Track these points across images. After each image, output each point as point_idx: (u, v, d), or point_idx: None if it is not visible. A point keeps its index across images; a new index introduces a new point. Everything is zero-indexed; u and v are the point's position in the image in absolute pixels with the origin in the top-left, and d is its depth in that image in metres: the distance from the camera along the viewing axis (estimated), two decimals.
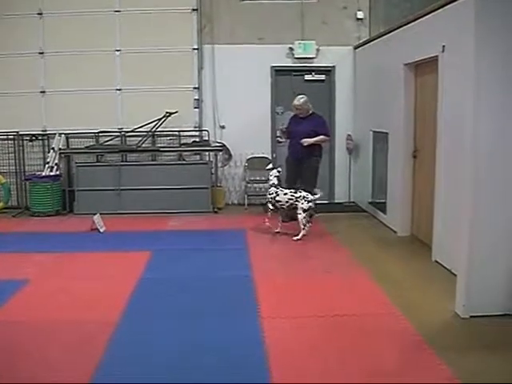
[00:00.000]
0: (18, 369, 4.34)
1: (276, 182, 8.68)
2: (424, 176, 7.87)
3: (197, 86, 11.14)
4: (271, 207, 8.65)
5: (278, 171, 8.90)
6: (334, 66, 11.26)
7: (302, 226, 8.22)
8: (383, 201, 9.37)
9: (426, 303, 5.70)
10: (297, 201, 8.28)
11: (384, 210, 9.36)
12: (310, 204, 8.22)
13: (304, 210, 8.19)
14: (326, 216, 9.97)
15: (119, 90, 11.09)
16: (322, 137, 9.14)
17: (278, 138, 10.03)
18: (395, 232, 8.70)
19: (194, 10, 11.05)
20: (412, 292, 6.03)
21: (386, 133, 9.13)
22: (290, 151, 9.48)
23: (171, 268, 7.02)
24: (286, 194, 8.46)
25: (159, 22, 10.95)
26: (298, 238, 8.19)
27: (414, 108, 8.26)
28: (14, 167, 11.14)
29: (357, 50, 11.08)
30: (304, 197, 8.26)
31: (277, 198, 8.51)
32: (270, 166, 9.81)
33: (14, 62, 11.02)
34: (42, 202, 10.50)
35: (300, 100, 9.20)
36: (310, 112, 9.29)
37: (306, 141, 9.01)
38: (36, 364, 4.41)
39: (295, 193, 8.38)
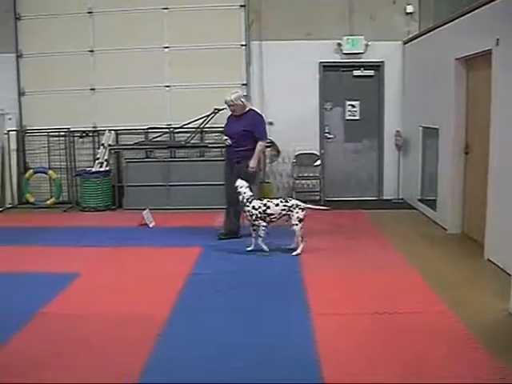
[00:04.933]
0: (67, 362, 4.40)
1: (251, 194, 7.56)
2: (476, 172, 7.72)
3: (245, 82, 11.15)
4: (264, 224, 7.43)
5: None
6: (382, 62, 11.14)
7: (300, 239, 7.40)
8: (433, 198, 9.23)
9: (478, 302, 5.58)
10: (290, 210, 7.38)
11: (434, 207, 9.22)
12: (305, 212, 7.41)
13: (300, 220, 7.35)
14: (374, 213, 9.92)
15: (168, 86, 11.18)
16: (258, 148, 7.95)
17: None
18: (445, 229, 8.56)
19: (241, 6, 11.06)
20: (463, 291, 5.92)
21: (437, 129, 8.99)
22: (225, 155, 8.46)
23: (220, 264, 7.04)
24: (277, 204, 7.43)
25: (207, 19, 11.00)
26: (298, 252, 7.36)
27: (466, 103, 8.11)
28: (64, 163, 11.35)
29: (406, 45, 10.94)
30: (297, 205, 7.42)
31: (268, 211, 7.40)
32: (319, 162, 9.79)
33: (65, 59, 11.22)
34: (92, 198, 10.67)
35: (232, 95, 8.00)
36: (247, 109, 8.13)
37: (252, 167, 7.90)
38: (85, 358, 4.46)
39: (286, 201, 7.46)
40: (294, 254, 7.35)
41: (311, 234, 7.99)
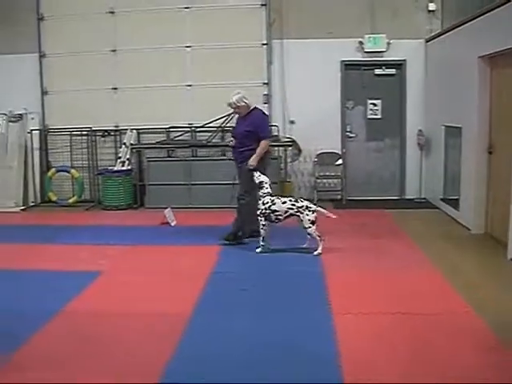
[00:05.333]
0: (88, 360, 4.42)
1: (270, 191, 7.47)
2: (500, 172, 7.63)
3: (266, 81, 11.14)
4: (263, 221, 7.37)
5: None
6: (404, 60, 11.06)
7: (318, 238, 7.26)
8: (456, 197, 9.15)
9: (502, 303, 5.51)
10: (298, 211, 7.26)
11: (457, 207, 9.14)
12: (315, 214, 7.26)
13: (312, 222, 7.21)
14: (396, 212, 9.86)
15: (189, 85, 11.21)
16: (261, 147, 7.57)
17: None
18: (468, 229, 8.47)
19: (262, 4, 11.05)
20: (487, 291, 5.86)
21: (460, 128, 8.91)
22: (232, 156, 8.20)
23: (241, 263, 7.07)
24: (284, 202, 7.31)
25: (228, 18, 11.02)
26: (320, 251, 7.24)
27: (490, 102, 8.03)
28: (87, 162, 11.43)
29: (428, 43, 10.85)
30: (307, 206, 7.26)
31: (273, 208, 7.30)
32: (340, 161, 9.69)
33: (88, 59, 11.33)
34: (114, 196, 10.74)
35: (234, 97, 7.65)
36: (251, 108, 7.81)
37: (251, 164, 7.54)
38: (105, 356, 4.47)
39: (296, 201, 7.33)
40: (315, 253, 7.24)
41: (333, 233, 7.96)
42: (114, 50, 11.33)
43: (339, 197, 11.06)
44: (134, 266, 7.02)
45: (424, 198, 10.99)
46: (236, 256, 7.33)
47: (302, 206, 7.25)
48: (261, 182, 7.45)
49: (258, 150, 7.55)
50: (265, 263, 7.01)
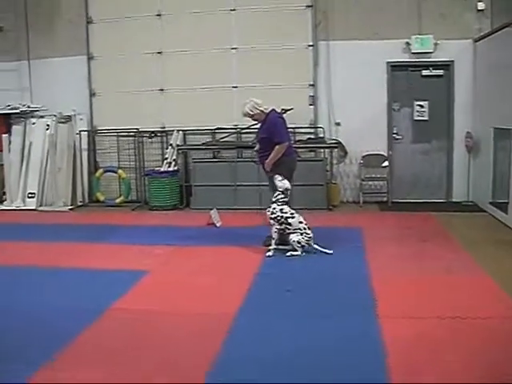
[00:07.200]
0: (135, 356, 4.47)
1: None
2: None
3: (312, 82, 11.11)
4: (278, 226, 7.38)
5: None
6: (452, 61, 10.89)
7: (298, 246, 7.30)
8: (505, 201, 8.98)
9: None
10: (301, 234, 7.33)
11: (506, 210, 8.96)
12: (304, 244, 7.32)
13: (299, 243, 7.27)
14: (443, 215, 9.72)
15: (235, 87, 11.24)
16: (274, 152, 7.46)
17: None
18: None
19: (308, 6, 11.03)
20: None
21: (510, 129, 8.75)
22: None
23: (287, 264, 7.04)
24: (301, 222, 7.35)
25: (274, 20, 11.02)
26: (295, 254, 7.29)
27: None
28: (134, 163, 11.59)
29: (477, 43, 10.67)
30: (307, 234, 7.35)
31: (289, 220, 7.32)
32: (386, 163, 9.58)
33: (135, 61, 11.51)
34: (160, 197, 10.85)
35: (246, 107, 7.68)
36: (268, 112, 7.72)
37: (268, 165, 7.57)
38: (154, 353, 4.52)
39: (309, 228, 7.36)
40: (289, 254, 7.30)
41: (379, 236, 7.91)
42: (160, 52, 11.46)
43: (385, 199, 10.96)
44: (180, 266, 7.08)
45: (471, 201, 10.81)
46: (280, 257, 7.32)
47: (309, 235, 7.31)
48: (286, 189, 7.39)
49: (272, 155, 7.50)
50: (309, 265, 6.98)
